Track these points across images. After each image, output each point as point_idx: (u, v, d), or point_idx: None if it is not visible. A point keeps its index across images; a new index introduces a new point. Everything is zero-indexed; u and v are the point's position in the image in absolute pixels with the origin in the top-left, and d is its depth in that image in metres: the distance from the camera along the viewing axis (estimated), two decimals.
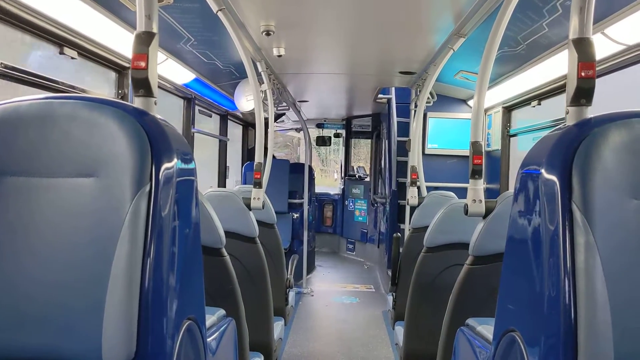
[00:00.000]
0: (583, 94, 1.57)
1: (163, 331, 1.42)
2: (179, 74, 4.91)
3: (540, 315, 1.39)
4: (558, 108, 4.50)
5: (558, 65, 4.00)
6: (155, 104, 1.71)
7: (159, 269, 1.40)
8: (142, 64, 1.67)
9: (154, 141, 1.46)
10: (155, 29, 1.74)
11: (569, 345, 1.29)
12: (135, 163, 1.41)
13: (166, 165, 1.46)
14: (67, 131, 1.45)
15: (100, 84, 3.93)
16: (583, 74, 1.56)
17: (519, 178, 1.62)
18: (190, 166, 1.64)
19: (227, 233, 2.90)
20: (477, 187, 2.61)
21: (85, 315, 1.36)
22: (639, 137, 1.37)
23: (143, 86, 1.68)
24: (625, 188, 1.34)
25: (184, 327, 1.54)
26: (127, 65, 3.92)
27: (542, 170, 1.45)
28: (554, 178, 1.39)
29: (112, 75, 3.99)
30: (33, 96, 1.55)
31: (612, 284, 1.29)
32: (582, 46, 1.59)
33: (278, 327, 4.09)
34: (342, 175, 11.44)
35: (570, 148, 1.39)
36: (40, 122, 1.47)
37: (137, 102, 1.68)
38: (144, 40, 1.70)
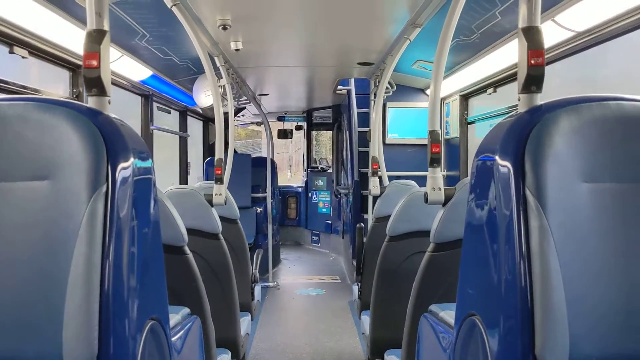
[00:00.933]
0: (533, 81, 1.61)
1: (125, 332, 1.40)
2: (135, 70, 4.83)
3: (498, 299, 1.42)
4: (513, 95, 4.58)
5: (512, 52, 4.07)
6: (109, 102, 1.68)
7: (118, 270, 1.38)
8: (94, 63, 1.63)
9: (109, 141, 1.43)
10: (106, 27, 1.71)
11: (526, 327, 1.32)
12: (90, 164, 1.38)
13: (122, 164, 1.44)
14: (19, 133, 1.42)
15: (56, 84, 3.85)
16: (533, 61, 1.59)
17: (475, 165, 1.65)
18: (148, 164, 1.62)
19: (189, 230, 2.88)
20: (436, 175, 2.65)
21: (45, 319, 1.34)
22: (588, 121, 1.42)
23: (96, 85, 1.64)
24: (576, 172, 1.38)
25: (147, 328, 1.53)
26: (81, 63, 3.83)
27: (496, 157, 1.48)
28: (507, 164, 1.42)
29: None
30: None
31: (565, 266, 1.33)
32: (531, 34, 1.62)
33: (245, 322, 4.08)
34: (305, 167, 11.44)
35: (523, 134, 1.42)
36: None
37: (91, 102, 1.65)
38: (95, 38, 1.66)
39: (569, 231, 1.35)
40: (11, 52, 3.13)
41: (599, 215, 1.37)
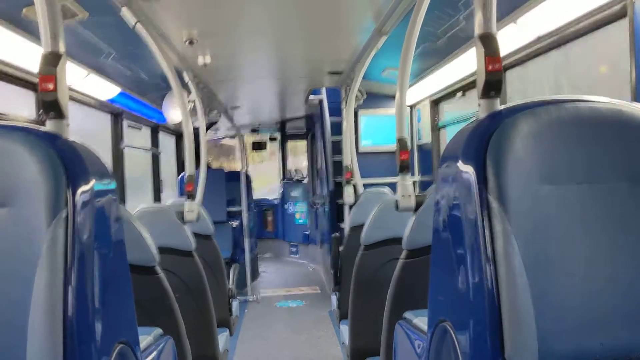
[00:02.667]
0: (492, 87, 1.62)
1: (91, 358, 1.38)
2: (103, 89, 4.78)
3: (466, 304, 1.43)
4: None
5: None
6: (68, 125, 1.65)
7: (82, 296, 1.35)
8: (51, 86, 1.60)
9: (69, 164, 1.41)
10: (62, 49, 1.68)
11: (495, 330, 1.33)
12: (49, 189, 1.35)
13: (83, 188, 1.42)
14: None
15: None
16: (490, 67, 1.61)
17: (440, 171, 1.66)
18: (110, 187, 1.60)
19: (162, 249, 2.85)
20: (406, 182, 2.66)
21: (6, 352, 1.30)
22: (545, 124, 1.43)
23: (53, 108, 1.61)
24: (536, 174, 1.39)
25: (115, 352, 1.50)
26: None
27: (459, 163, 1.49)
28: (469, 170, 1.43)
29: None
30: None
31: (530, 268, 1.34)
32: (487, 41, 1.64)
33: (223, 338, 4.04)
34: (280, 178, 11.43)
35: (483, 140, 1.43)
36: None
37: (49, 125, 1.61)
38: (51, 60, 1.63)
39: (532, 233, 1.36)
40: None
41: (560, 216, 1.39)
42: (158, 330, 2.21)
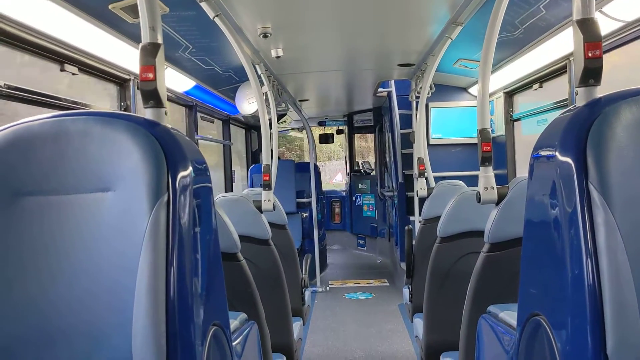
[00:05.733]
0: (591, 74, 1.57)
1: (191, 339, 1.42)
2: (179, 82, 4.93)
3: (564, 298, 1.39)
4: (559, 89, 4.49)
5: (558, 46, 3.99)
6: (166, 114, 1.71)
7: (182, 278, 1.40)
8: (150, 75, 1.66)
9: (168, 151, 1.46)
10: (160, 40, 1.74)
11: (596, 325, 1.29)
12: (151, 174, 1.41)
13: (182, 174, 1.47)
14: (81, 147, 1.46)
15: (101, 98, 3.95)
16: (590, 54, 1.55)
17: (533, 162, 1.62)
18: (205, 173, 1.64)
19: (240, 237, 2.91)
20: (488, 174, 2.60)
21: (114, 327, 1.37)
22: None
23: (152, 97, 1.68)
24: None
25: (210, 333, 1.55)
26: (127, 77, 3.94)
27: (556, 153, 1.45)
28: (568, 160, 1.39)
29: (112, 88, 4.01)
30: (43, 115, 1.55)
31: (634, 261, 1.29)
32: (587, 26, 1.58)
33: (297, 327, 4.09)
34: (347, 171, 11.45)
35: (583, 129, 1.39)
36: (54, 141, 1.48)
37: (148, 114, 1.68)
38: (150, 51, 1.70)
39: (636, 225, 1.31)
40: (62, 69, 3.22)
41: None
42: (243, 315, 2.26)
